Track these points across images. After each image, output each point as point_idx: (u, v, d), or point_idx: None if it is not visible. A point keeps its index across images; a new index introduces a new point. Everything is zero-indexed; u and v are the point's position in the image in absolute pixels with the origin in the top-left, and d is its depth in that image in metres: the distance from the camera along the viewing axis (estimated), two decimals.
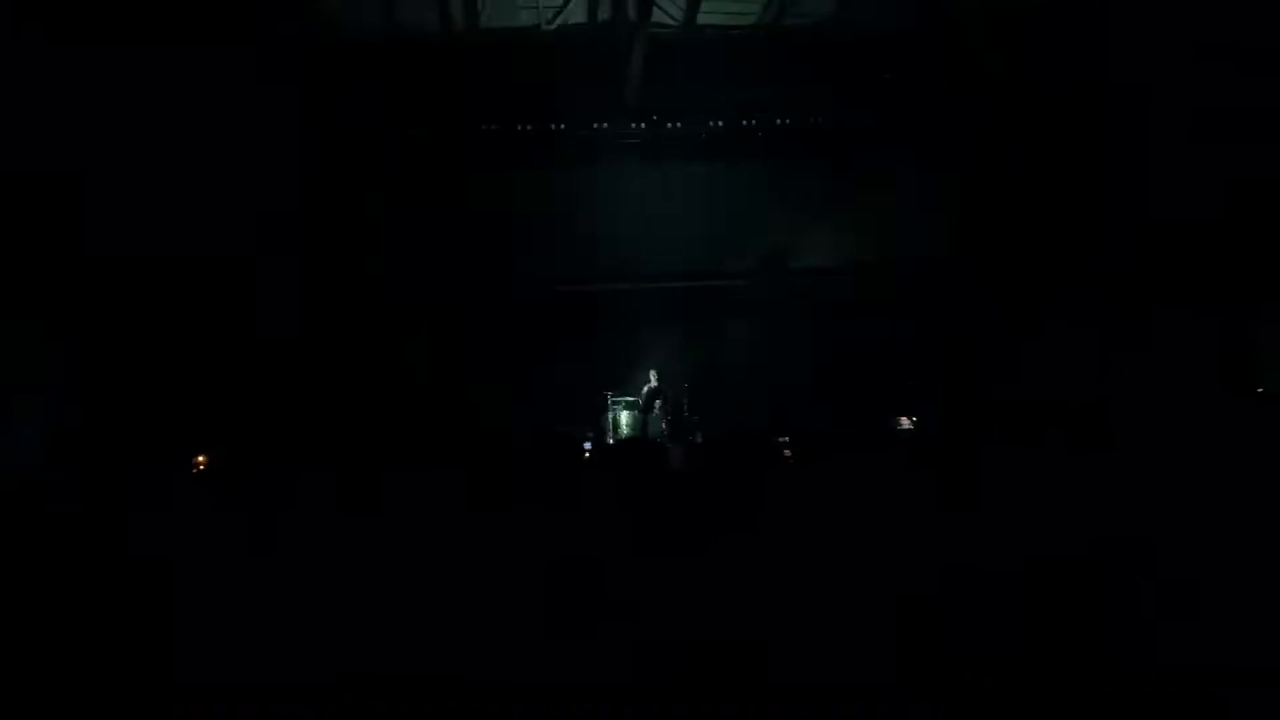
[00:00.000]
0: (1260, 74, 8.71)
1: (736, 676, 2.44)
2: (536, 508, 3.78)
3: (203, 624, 2.74)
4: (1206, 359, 9.19)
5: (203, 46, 9.64)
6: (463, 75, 11.24)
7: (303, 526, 3.58)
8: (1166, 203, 9.67)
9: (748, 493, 4.05)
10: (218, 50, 9.69)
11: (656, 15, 10.67)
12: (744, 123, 11.89)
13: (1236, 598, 2.68)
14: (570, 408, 11.66)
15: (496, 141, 11.77)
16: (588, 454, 6.40)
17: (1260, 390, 8.64)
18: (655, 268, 12.30)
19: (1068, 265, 10.60)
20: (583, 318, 12.19)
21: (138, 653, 2.62)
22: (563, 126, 11.82)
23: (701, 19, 10.85)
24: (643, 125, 11.83)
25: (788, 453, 5.49)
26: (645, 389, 11.61)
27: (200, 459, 9.27)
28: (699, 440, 11.26)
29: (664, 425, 11.41)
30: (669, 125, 11.82)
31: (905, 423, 10.26)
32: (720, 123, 11.87)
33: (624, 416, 11.51)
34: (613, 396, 11.49)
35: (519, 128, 11.72)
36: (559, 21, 10.82)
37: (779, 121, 11.87)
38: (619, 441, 10.84)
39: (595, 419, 11.43)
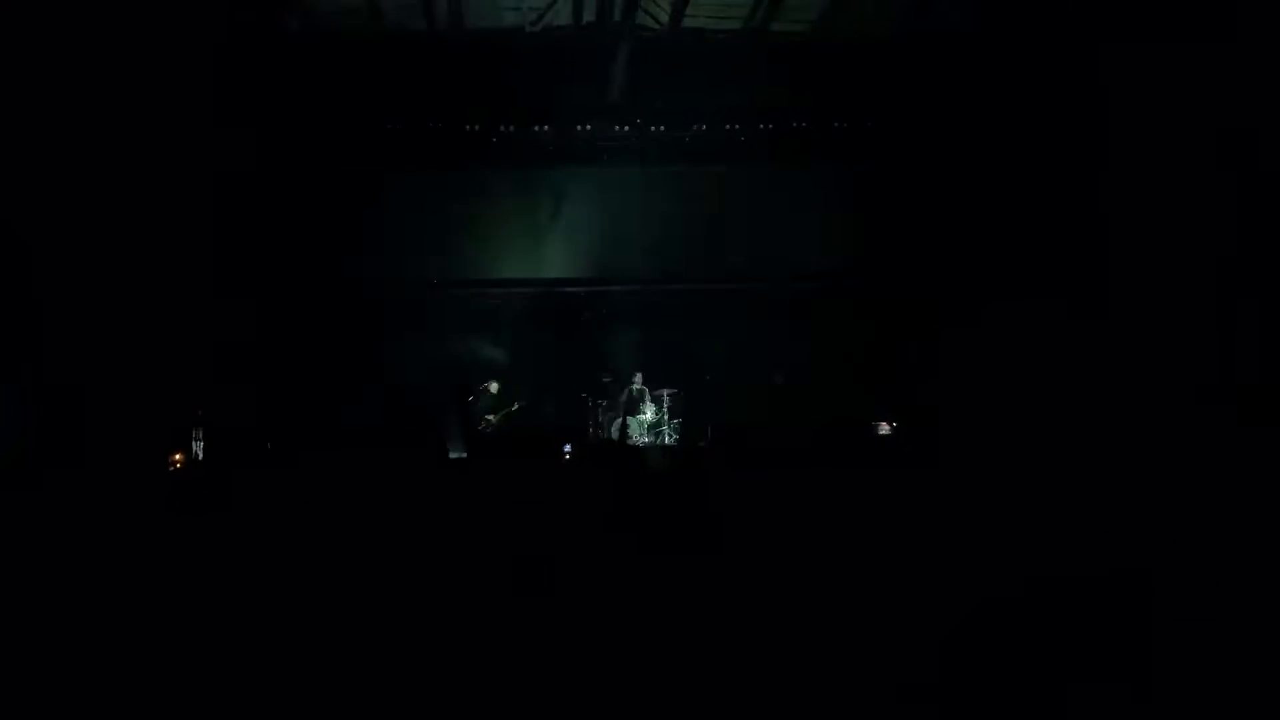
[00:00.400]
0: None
1: (712, 685, 2.41)
2: (513, 509, 3.75)
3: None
4: (1191, 358, 9.25)
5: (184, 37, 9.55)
6: (445, 75, 11.19)
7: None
8: (1154, 206, 9.73)
9: (726, 496, 4.04)
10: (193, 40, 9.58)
11: (641, 18, 10.66)
12: (728, 126, 11.88)
13: (1236, 598, 2.68)
14: (552, 409, 11.65)
15: (478, 142, 11.71)
16: (567, 456, 6.35)
17: (1240, 389, 8.68)
18: (639, 270, 12.30)
19: (1054, 270, 10.65)
20: (564, 318, 12.16)
21: (104, 654, 2.57)
22: (546, 128, 11.77)
23: (687, 22, 10.85)
24: (627, 127, 11.78)
25: (763, 456, 5.49)
26: (626, 391, 11.59)
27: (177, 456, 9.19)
28: (679, 443, 11.28)
29: (646, 428, 11.40)
30: (653, 128, 11.78)
31: (885, 428, 10.29)
32: (704, 125, 11.85)
33: (606, 419, 11.50)
34: (594, 399, 11.46)
35: (501, 128, 11.67)
36: (543, 23, 10.79)
37: (763, 125, 11.87)
38: (599, 444, 10.81)
39: (578, 421, 11.40)
